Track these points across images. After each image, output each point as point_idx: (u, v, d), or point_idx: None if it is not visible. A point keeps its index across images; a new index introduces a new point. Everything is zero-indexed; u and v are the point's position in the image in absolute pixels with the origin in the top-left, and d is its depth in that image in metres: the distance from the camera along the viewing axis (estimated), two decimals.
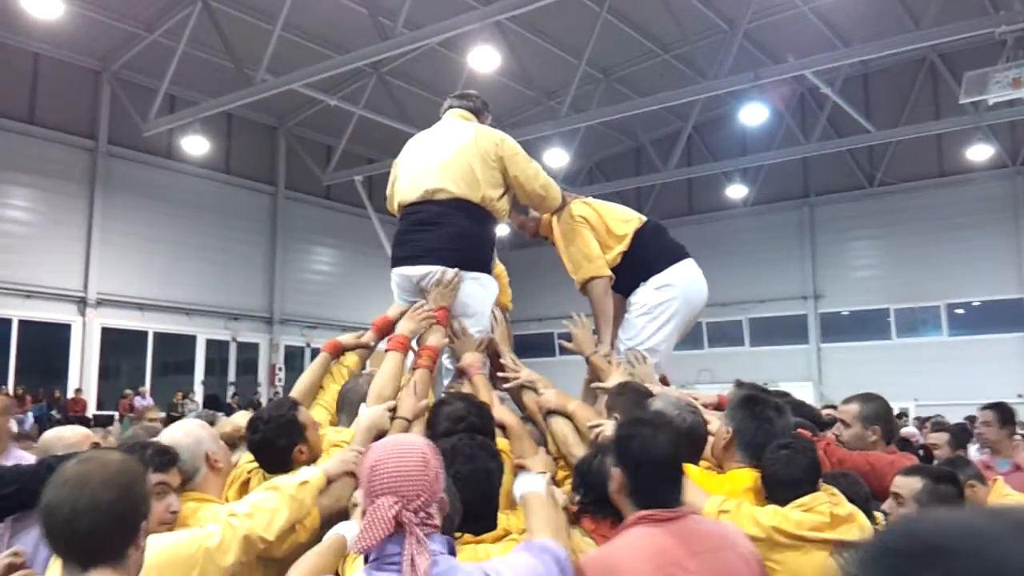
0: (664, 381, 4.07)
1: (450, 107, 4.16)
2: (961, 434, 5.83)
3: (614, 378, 3.67)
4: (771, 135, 23.04)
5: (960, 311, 23.01)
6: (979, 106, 17.00)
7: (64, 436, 3.36)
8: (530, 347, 21.81)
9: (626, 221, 4.28)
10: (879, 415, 3.62)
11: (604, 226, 4.20)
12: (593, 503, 2.55)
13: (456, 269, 3.75)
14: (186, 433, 2.67)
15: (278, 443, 2.77)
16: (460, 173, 3.77)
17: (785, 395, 4.09)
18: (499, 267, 4.98)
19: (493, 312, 3.92)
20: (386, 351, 3.60)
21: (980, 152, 21.91)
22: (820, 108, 21.10)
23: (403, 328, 3.63)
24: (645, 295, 4.18)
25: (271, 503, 2.35)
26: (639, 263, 4.20)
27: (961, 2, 16.61)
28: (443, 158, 3.83)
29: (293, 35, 17.39)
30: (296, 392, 3.55)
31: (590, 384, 3.97)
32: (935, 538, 0.74)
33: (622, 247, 4.19)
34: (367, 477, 1.88)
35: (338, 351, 3.78)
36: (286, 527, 2.35)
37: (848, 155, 23.37)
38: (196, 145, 20.73)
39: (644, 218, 4.36)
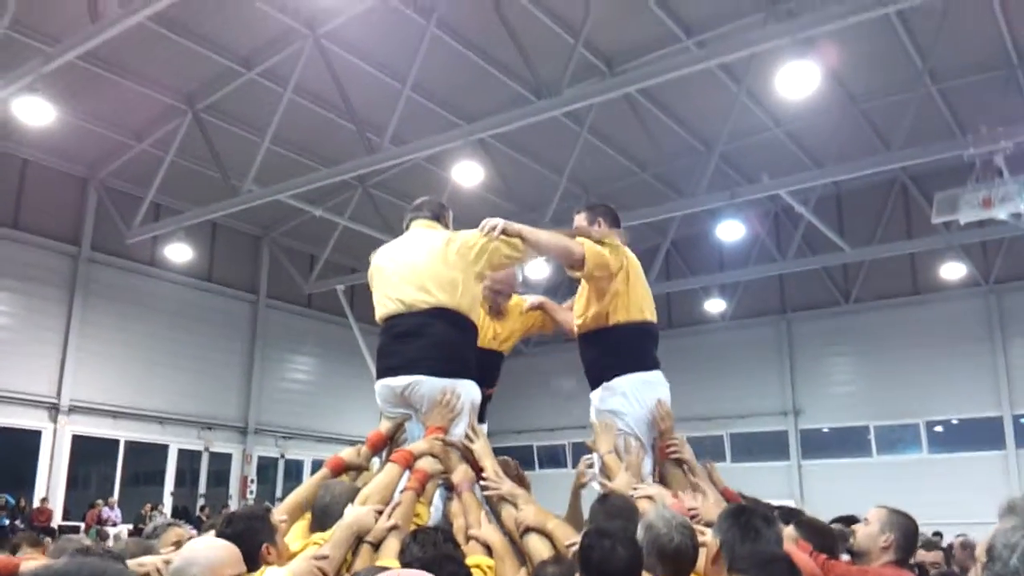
0: None
1: (412, 219, 4.22)
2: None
3: (619, 479, 3.67)
4: (747, 251, 23.39)
5: (939, 429, 22.97)
6: (951, 226, 17.30)
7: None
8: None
9: (644, 306, 4.39)
10: (900, 527, 3.58)
11: (627, 289, 4.31)
12: None
13: (458, 395, 3.75)
14: (206, 556, 2.53)
15: (250, 537, 2.76)
16: (436, 281, 3.81)
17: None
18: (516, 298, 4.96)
19: (472, 427, 3.85)
20: (387, 460, 3.56)
21: (953, 271, 22.26)
22: (795, 226, 21.40)
23: (423, 464, 3.52)
24: (605, 400, 4.27)
25: None
26: (616, 355, 4.29)
27: (930, 125, 17.18)
28: (418, 268, 3.87)
29: (281, 148, 17.65)
30: (288, 504, 3.48)
31: (580, 489, 4.04)
32: None
33: (620, 319, 4.29)
34: None
35: (340, 470, 3.68)
36: None
37: (823, 272, 23.72)
38: (179, 253, 20.79)
39: (654, 320, 4.46)
